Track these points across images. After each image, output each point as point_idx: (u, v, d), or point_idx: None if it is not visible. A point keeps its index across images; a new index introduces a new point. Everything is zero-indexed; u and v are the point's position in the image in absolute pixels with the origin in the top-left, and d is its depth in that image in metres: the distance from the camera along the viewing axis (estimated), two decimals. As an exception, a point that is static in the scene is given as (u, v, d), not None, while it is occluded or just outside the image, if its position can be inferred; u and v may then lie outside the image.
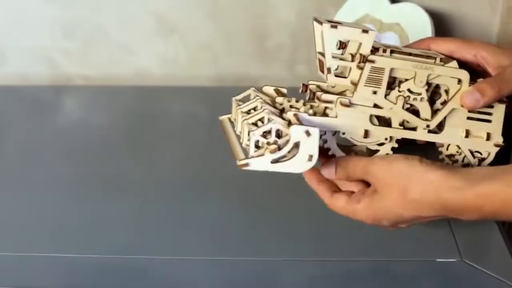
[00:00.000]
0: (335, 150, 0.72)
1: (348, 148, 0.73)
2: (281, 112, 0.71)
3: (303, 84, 0.73)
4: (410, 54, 0.70)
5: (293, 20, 1.08)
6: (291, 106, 0.72)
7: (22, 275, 0.73)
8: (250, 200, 0.84)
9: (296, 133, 0.65)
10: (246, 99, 0.74)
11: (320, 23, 0.70)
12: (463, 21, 1.07)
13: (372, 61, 0.69)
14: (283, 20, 1.08)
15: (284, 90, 0.74)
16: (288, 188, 0.81)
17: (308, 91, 0.72)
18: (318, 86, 0.73)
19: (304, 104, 0.71)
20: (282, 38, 1.10)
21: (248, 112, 0.71)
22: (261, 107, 0.70)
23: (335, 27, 0.69)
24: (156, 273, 0.73)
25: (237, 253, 0.76)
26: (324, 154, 0.71)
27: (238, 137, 0.71)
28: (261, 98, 0.72)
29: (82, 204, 0.84)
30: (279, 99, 0.72)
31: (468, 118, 0.71)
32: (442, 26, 1.06)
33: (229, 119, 0.76)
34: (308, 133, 0.65)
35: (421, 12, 1.01)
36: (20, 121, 1.04)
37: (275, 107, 0.71)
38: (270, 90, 0.74)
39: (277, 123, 0.66)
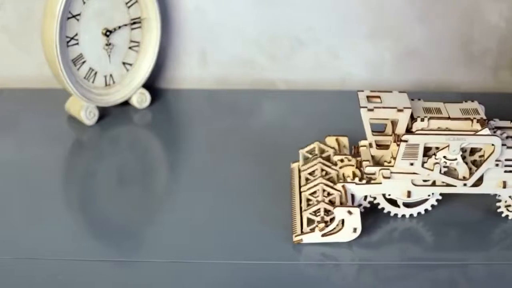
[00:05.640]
0: (384, 205, 0.80)
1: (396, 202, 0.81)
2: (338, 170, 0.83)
3: (355, 146, 0.83)
4: (448, 118, 0.77)
5: (502, 26, 1.08)
6: (343, 163, 0.83)
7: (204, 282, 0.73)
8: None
9: (340, 213, 0.76)
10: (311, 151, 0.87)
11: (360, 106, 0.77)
12: None
13: (406, 141, 0.76)
14: (492, 26, 1.08)
15: (345, 140, 0.87)
16: None
17: (356, 160, 0.82)
18: (369, 146, 0.81)
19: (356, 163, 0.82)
20: (488, 43, 1.10)
21: (325, 167, 0.83)
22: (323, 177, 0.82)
23: (372, 110, 0.77)
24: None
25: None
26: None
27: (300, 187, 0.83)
28: (323, 160, 0.84)
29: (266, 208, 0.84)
30: (336, 158, 0.84)
31: (506, 171, 0.78)
32: None
33: (299, 167, 0.86)
34: (350, 213, 0.75)
35: None
36: (218, 124, 1.03)
37: (333, 162, 0.84)
38: (332, 140, 0.87)
39: (331, 206, 0.77)
